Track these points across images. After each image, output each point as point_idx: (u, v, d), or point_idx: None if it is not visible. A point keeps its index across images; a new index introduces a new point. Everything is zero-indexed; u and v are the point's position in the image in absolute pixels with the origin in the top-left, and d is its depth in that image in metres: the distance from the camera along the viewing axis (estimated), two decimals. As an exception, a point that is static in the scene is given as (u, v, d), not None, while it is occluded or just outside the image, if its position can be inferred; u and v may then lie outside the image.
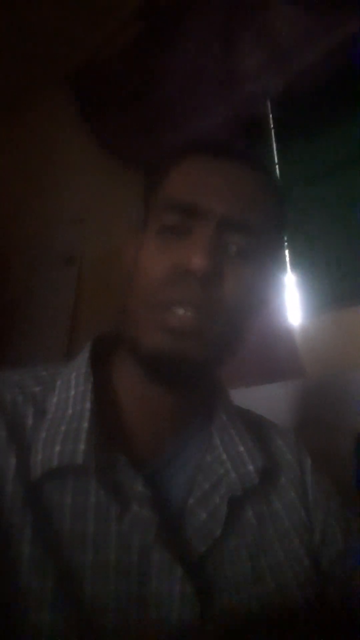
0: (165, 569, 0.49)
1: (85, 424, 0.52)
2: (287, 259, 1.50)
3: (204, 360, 0.54)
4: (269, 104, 1.56)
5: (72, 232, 1.92)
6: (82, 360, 0.60)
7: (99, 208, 1.90)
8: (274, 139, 1.67)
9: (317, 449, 0.73)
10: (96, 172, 1.90)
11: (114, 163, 1.84)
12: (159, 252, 0.56)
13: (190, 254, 0.52)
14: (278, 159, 1.68)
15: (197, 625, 0.48)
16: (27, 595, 0.44)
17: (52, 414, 0.55)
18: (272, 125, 1.65)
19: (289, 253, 1.51)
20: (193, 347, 0.53)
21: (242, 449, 0.61)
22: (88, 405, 0.55)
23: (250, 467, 0.59)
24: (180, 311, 0.53)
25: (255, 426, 0.67)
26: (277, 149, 1.67)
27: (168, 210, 0.57)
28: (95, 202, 1.90)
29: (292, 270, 1.51)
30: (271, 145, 1.67)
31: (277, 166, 1.69)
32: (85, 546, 0.48)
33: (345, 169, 1.54)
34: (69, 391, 0.57)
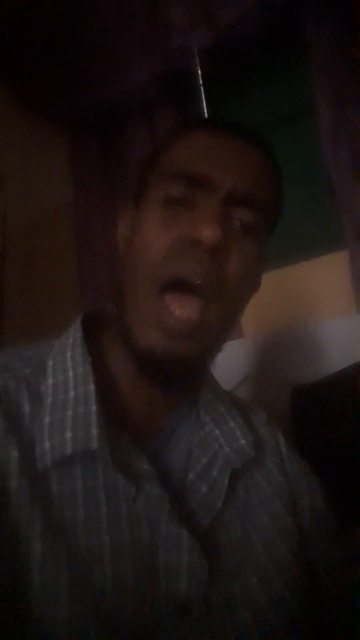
0: (173, 541, 0.50)
1: (94, 407, 0.51)
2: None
3: (199, 359, 0.54)
4: (197, 58, 1.51)
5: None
6: (75, 339, 0.58)
7: (20, 167, 1.81)
8: (203, 95, 1.63)
9: (258, 403, 0.76)
10: (17, 129, 1.80)
11: (36, 120, 1.76)
12: (163, 223, 0.55)
13: (199, 225, 0.51)
14: (208, 115, 1.65)
15: (204, 593, 0.50)
16: (41, 591, 0.43)
17: (52, 397, 0.52)
18: (201, 81, 1.61)
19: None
20: (189, 348, 0.52)
21: (232, 424, 0.62)
22: (92, 387, 0.53)
23: (243, 442, 0.61)
24: (178, 309, 0.52)
25: (235, 403, 0.68)
26: (207, 105, 1.63)
27: (175, 180, 0.55)
28: (17, 160, 1.81)
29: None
30: (201, 101, 1.63)
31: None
32: (100, 529, 0.47)
33: (275, 126, 1.54)
34: (66, 372, 0.54)
